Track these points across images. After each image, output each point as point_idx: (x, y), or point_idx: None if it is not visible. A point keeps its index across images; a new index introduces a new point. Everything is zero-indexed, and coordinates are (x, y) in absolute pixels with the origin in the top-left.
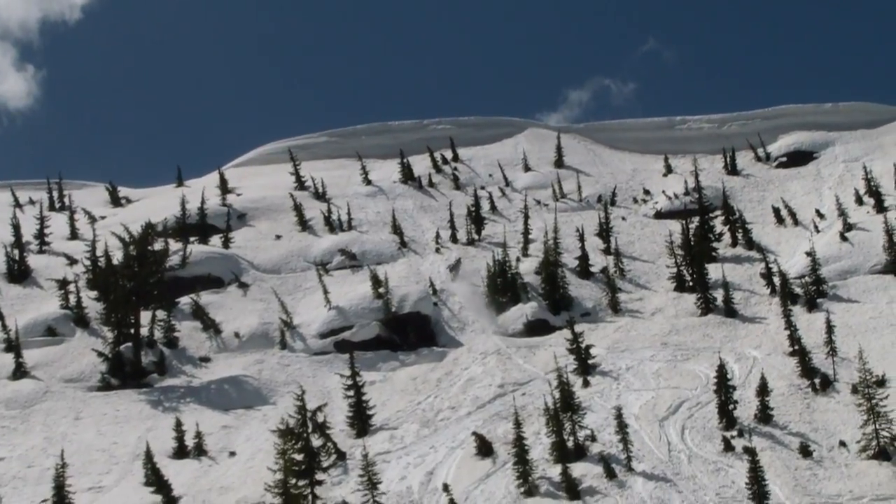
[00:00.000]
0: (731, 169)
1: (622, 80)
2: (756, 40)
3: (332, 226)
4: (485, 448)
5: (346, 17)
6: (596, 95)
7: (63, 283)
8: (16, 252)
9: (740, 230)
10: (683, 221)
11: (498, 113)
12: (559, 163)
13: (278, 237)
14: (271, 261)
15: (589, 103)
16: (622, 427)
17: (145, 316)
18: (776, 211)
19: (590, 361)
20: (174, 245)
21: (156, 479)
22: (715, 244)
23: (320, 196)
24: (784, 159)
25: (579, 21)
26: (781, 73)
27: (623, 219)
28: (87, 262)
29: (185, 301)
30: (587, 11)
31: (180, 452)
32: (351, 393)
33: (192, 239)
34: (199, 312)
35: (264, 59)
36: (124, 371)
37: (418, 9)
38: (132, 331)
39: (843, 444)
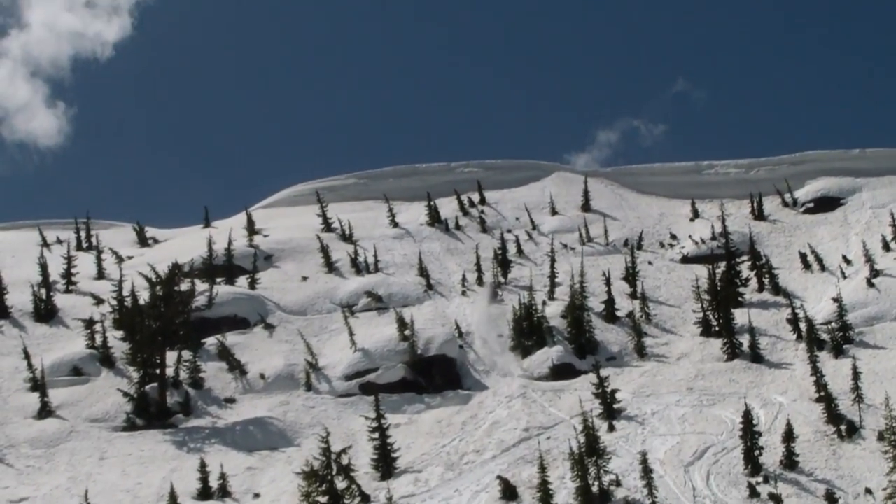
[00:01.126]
0: (758, 214)
1: (651, 120)
2: (783, 84)
3: (359, 268)
4: (509, 492)
5: (374, 59)
6: (625, 136)
7: (89, 323)
8: (43, 291)
9: (767, 275)
10: (710, 266)
11: (526, 154)
12: (586, 206)
13: (304, 279)
14: (297, 302)
15: (618, 144)
16: (647, 472)
17: (171, 356)
18: (803, 256)
19: (615, 406)
20: (201, 286)
21: None
22: (741, 289)
23: (347, 238)
24: (811, 205)
25: (608, 61)
26: (808, 118)
27: (649, 263)
28: (114, 302)
29: (210, 342)
30: (616, 52)
31: (205, 494)
32: (376, 435)
33: (218, 280)
34: (224, 353)
35: (293, 100)
36: (149, 411)
37: (447, 50)
38: (158, 371)
39: (869, 491)
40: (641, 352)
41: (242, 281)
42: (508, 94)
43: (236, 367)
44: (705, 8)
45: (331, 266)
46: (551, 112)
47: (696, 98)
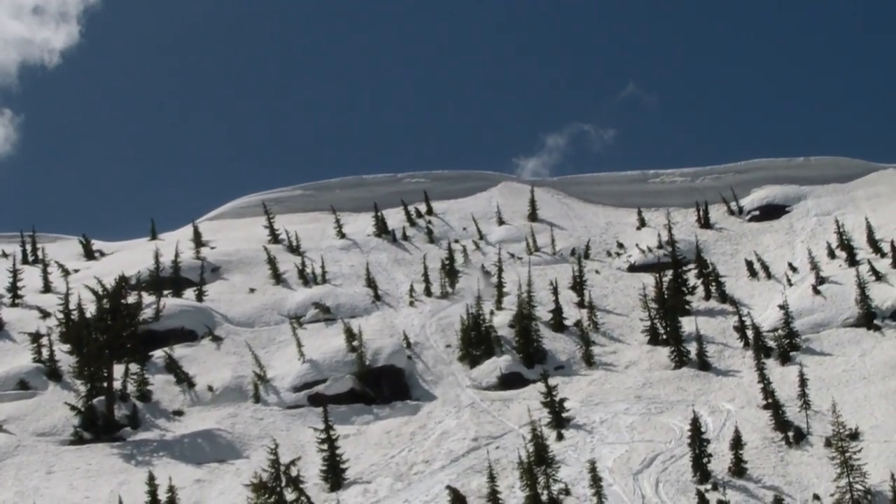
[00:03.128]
0: (705, 222)
1: (601, 125)
2: (730, 91)
3: (306, 279)
4: (459, 502)
5: (319, 70)
6: (574, 141)
7: (36, 337)
8: None
9: (713, 283)
10: (657, 275)
11: (473, 162)
12: (533, 216)
13: (252, 290)
14: (245, 314)
15: (567, 149)
16: (596, 481)
17: (118, 369)
18: (749, 264)
19: (564, 415)
20: (148, 298)
21: None
22: (688, 297)
23: (294, 249)
24: (757, 213)
25: (558, 65)
26: (754, 125)
27: (597, 272)
28: (60, 316)
29: (158, 354)
30: (566, 55)
31: None
32: (324, 447)
33: (165, 292)
34: (172, 366)
35: (240, 111)
36: (97, 425)
37: (391, 58)
38: (105, 384)
39: (817, 497)
40: (589, 360)
41: (190, 293)
42: (455, 99)
43: (184, 380)
44: (656, 12)
45: (278, 278)
46: (499, 117)
47: (646, 102)
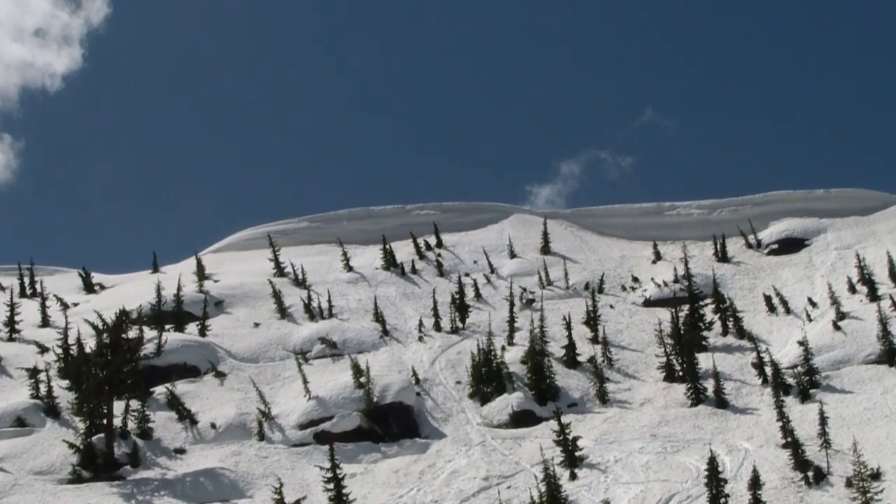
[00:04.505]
0: (722, 256)
1: (618, 152)
2: (749, 119)
3: (312, 313)
4: None
5: (328, 100)
6: (589, 168)
7: (33, 372)
8: None
9: (731, 319)
10: (673, 310)
11: (485, 191)
12: (545, 249)
13: (256, 325)
14: (249, 349)
15: (582, 176)
16: None
17: (118, 406)
18: (767, 299)
19: (577, 453)
20: (149, 333)
21: None
22: (705, 333)
23: (300, 283)
24: (775, 246)
25: (574, 90)
26: (773, 156)
27: (611, 307)
28: (59, 351)
29: (159, 391)
30: (583, 81)
31: None
32: (331, 486)
33: (167, 327)
34: (174, 402)
35: (244, 141)
36: (96, 463)
37: (402, 87)
38: (105, 421)
39: None
40: (603, 398)
41: (192, 328)
42: (466, 125)
43: (186, 417)
44: (676, 35)
45: (283, 312)
46: (512, 143)
47: (665, 128)
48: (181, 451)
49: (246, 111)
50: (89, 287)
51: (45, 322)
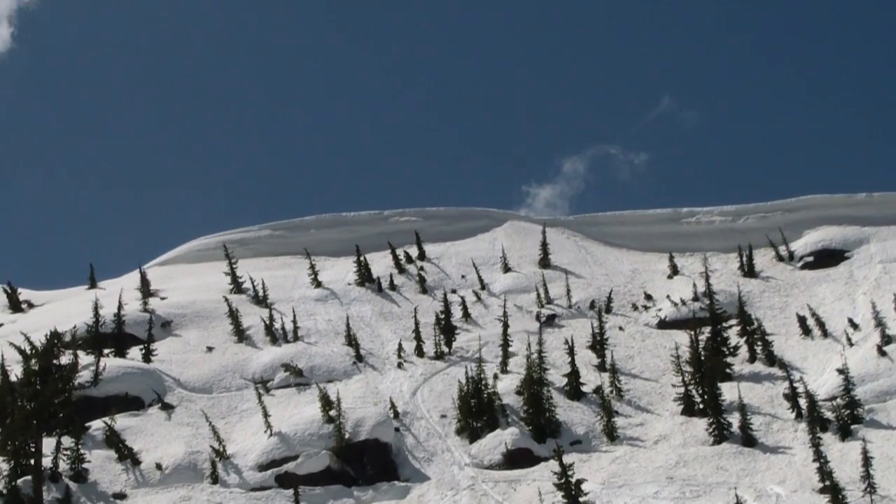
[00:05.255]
0: (748, 270)
1: (630, 148)
2: (780, 113)
3: (275, 336)
4: None
5: (292, 88)
6: (597, 166)
7: None
8: None
9: (759, 343)
10: (692, 332)
11: (475, 192)
12: (545, 262)
13: (210, 349)
14: (201, 378)
15: (588, 175)
16: None
17: (48, 444)
18: (802, 320)
19: (581, 499)
20: (84, 359)
21: None
22: (729, 359)
23: (261, 300)
24: (810, 259)
25: (578, 76)
26: (808, 154)
27: (620, 329)
28: None
29: (96, 426)
30: (587, 65)
31: None
32: None
33: (106, 351)
34: (113, 439)
35: (195, 136)
36: None
37: (378, 73)
38: (32, 462)
39: None
40: (612, 434)
41: (135, 352)
42: (454, 117)
43: (127, 456)
44: (696, 14)
45: (241, 334)
46: (507, 138)
47: (684, 119)
48: (121, 496)
49: (197, 100)
50: (15, 305)
51: None
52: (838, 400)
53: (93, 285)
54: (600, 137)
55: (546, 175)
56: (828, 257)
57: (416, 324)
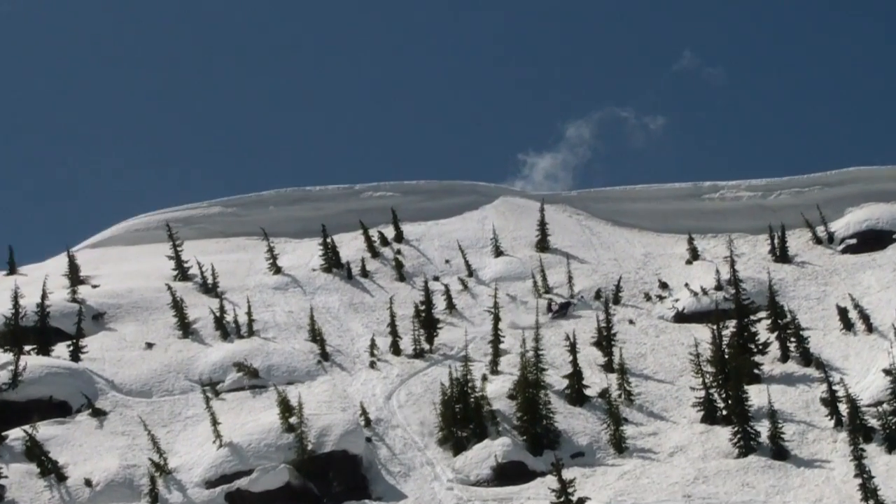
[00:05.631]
0: (781, 254)
1: (644, 110)
2: (820, 70)
3: (226, 330)
4: None
5: (244, 42)
6: (606, 131)
7: None
8: None
9: (793, 339)
10: (714, 327)
11: (462, 165)
12: (543, 244)
13: (150, 346)
14: (139, 379)
15: (595, 142)
16: None
17: None
18: (843, 312)
19: None
20: (2, 356)
21: None
22: (758, 358)
23: (210, 289)
24: (853, 241)
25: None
26: (850, 120)
27: (631, 322)
28: None
29: (15, 435)
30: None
31: None
32: None
33: (27, 348)
34: (34, 451)
35: (134, 98)
36: None
37: (349, 23)
38: None
39: None
40: (620, 445)
41: (61, 349)
42: (437, 72)
43: (51, 471)
44: None
45: (186, 328)
46: (502, 99)
47: (708, 76)
48: None
49: (136, 56)
50: None
51: None
52: (885, 405)
53: (12, 271)
54: (610, 98)
55: (546, 142)
56: (873, 240)
57: (392, 316)
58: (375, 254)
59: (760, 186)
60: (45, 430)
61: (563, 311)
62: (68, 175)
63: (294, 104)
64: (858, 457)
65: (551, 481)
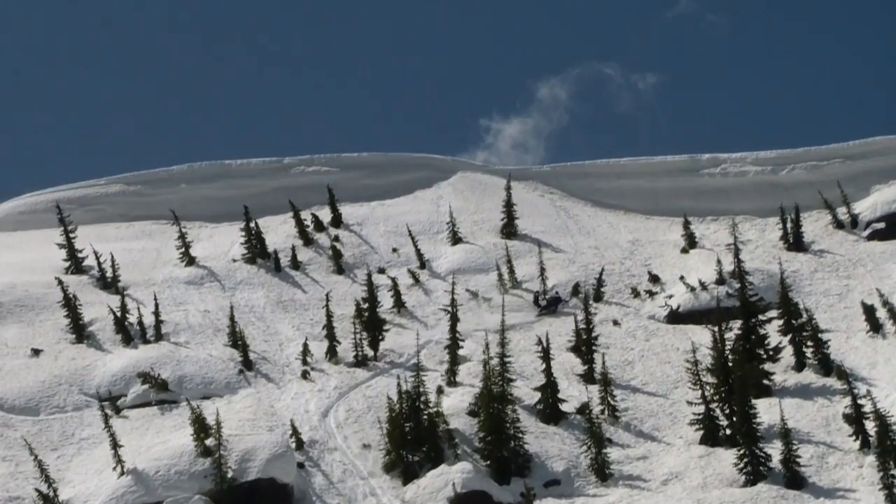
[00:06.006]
0: (795, 241)
1: (632, 66)
2: (842, 26)
3: (129, 334)
4: None
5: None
6: (585, 90)
7: None
8: None
9: (810, 343)
10: (716, 329)
11: (413, 134)
12: (509, 230)
13: (36, 353)
14: (24, 393)
15: (572, 103)
16: None
17: None
18: (869, 311)
19: None
20: None
21: None
22: (768, 366)
23: (109, 284)
24: (880, 226)
25: None
26: (879, 80)
27: (616, 323)
28: None
29: None
30: None
31: None
32: None
33: None
34: None
35: (18, 58)
36: None
37: None
38: None
39: None
40: (603, 472)
41: None
42: (382, 22)
43: None
44: None
45: (81, 332)
46: (461, 52)
47: (708, 25)
48: None
49: (23, 14)
50: None
51: None
52: None
53: None
54: (591, 52)
55: (514, 105)
56: None
57: (329, 317)
58: (309, 241)
59: (770, 160)
60: None
61: (552, 306)
62: None
63: (212, 62)
64: (889, 485)
65: None
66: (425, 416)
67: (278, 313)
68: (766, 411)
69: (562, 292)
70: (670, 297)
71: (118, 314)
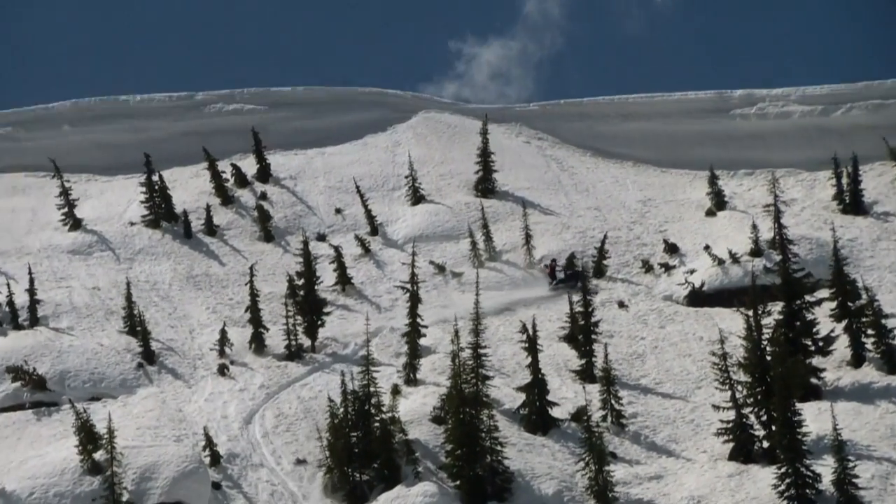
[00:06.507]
0: (852, 202)
1: None
2: None
3: None
4: None
5: None
6: (581, 7)
7: None
8: None
9: (870, 332)
10: (750, 313)
11: (363, 62)
12: (486, 185)
13: None
14: None
15: (564, 21)
16: None
17: None
18: None
19: None
20: None
21: None
22: (816, 361)
23: None
24: None
25: None
26: None
27: (622, 306)
28: None
29: None
30: None
31: None
32: None
33: None
34: None
35: None
36: None
37: None
38: None
39: None
40: (605, 495)
41: None
42: None
43: None
44: None
45: None
46: None
47: None
48: None
49: None
50: None
51: None
52: None
53: None
54: None
55: (491, 24)
56: None
57: (254, 296)
58: (228, 199)
59: (821, 97)
60: None
61: (573, 280)
62: None
63: None
64: None
65: None
66: (377, 424)
67: (188, 291)
68: (815, 419)
69: (555, 265)
70: (692, 272)
71: None
